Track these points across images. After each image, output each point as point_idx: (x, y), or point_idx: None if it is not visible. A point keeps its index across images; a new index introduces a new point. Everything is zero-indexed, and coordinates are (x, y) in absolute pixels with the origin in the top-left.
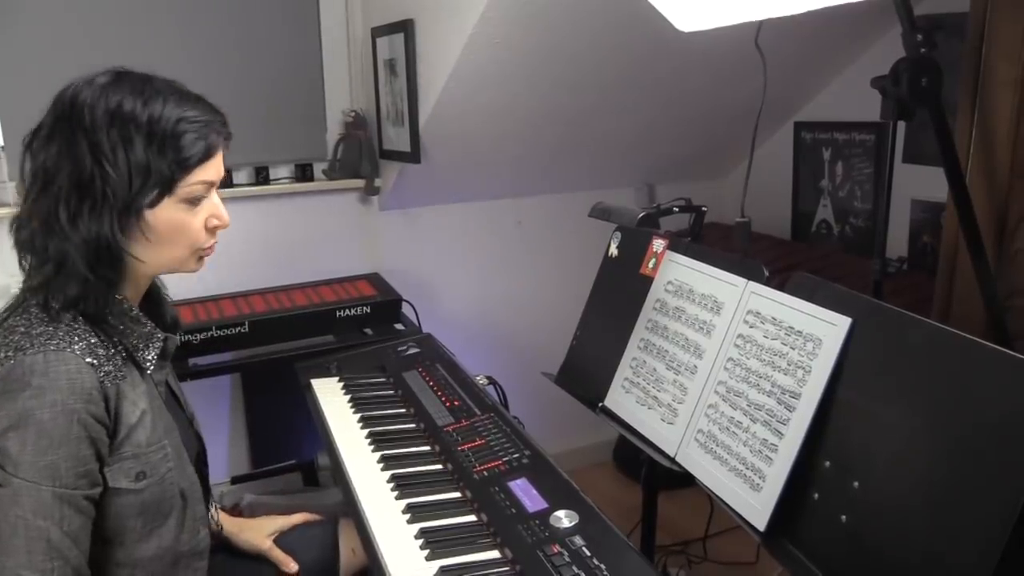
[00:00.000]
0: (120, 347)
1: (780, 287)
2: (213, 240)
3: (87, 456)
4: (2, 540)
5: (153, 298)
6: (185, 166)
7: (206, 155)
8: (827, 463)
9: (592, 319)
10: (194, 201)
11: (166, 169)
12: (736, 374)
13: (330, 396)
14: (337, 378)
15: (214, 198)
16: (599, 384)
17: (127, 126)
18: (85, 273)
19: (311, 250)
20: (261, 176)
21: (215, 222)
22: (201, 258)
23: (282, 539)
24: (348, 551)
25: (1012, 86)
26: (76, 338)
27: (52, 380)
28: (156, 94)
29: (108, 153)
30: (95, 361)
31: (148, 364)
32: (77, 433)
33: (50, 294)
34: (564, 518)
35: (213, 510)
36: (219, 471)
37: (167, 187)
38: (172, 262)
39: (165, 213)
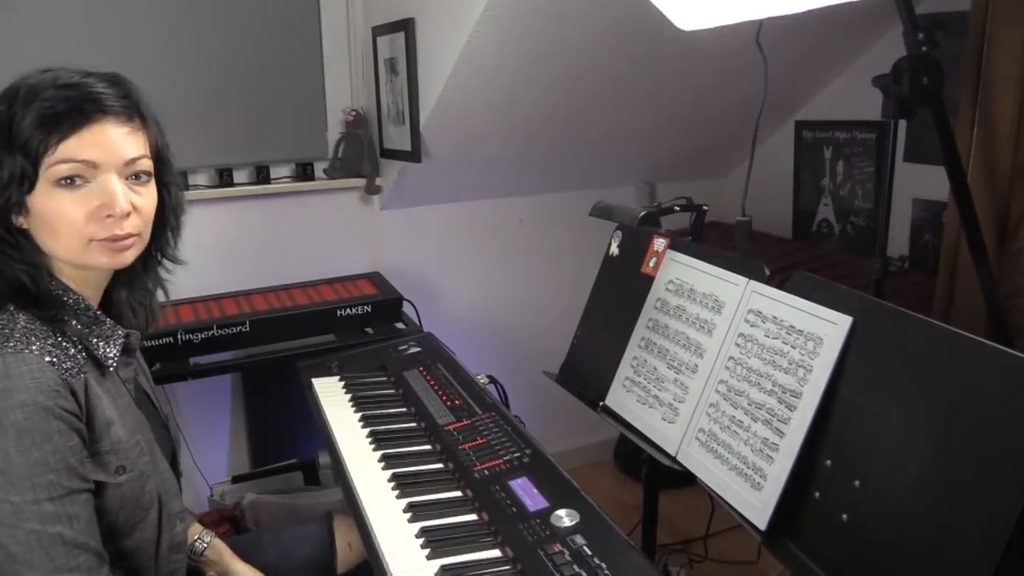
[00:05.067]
0: (80, 347)
1: (781, 286)
2: (111, 231)
3: (75, 446)
4: (21, 557)
5: (120, 297)
6: (42, 147)
7: (70, 128)
8: (828, 462)
9: (593, 318)
10: (67, 183)
11: (18, 143)
12: (737, 373)
13: (331, 395)
14: (338, 377)
15: (111, 182)
16: (600, 383)
17: None
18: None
19: (312, 249)
20: (262, 175)
21: (105, 211)
22: (110, 251)
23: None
24: (344, 546)
25: (1013, 85)
26: (33, 338)
27: (16, 381)
28: (18, 88)
29: None
30: (54, 360)
31: (110, 362)
32: (57, 427)
33: None
34: (565, 517)
35: (204, 532)
36: (220, 470)
37: (29, 168)
38: (67, 252)
39: (40, 198)
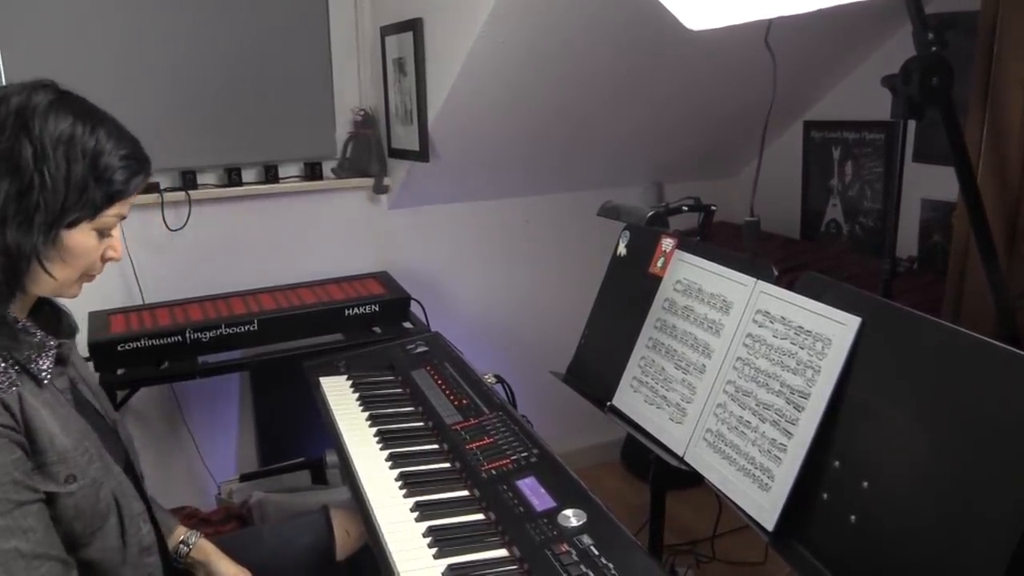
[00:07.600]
0: (11, 360)
1: (789, 286)
2: (99, 271)
3: (18, 459)
4: None
5: (46, 307)
6: (112, 198)
7: (131, 191)
8: (836, 463)
9: (600, 318)
10: (104, 231)
11: (98, 195)
12: (745, 373)
13: (339, 394)
14: (346, 376)
15: (118, 235)
16: (607, 383)
17: (74, 147)
18: None
19: (320, 248)
20: (270, 174)
21: (111, 254)
22: (82, 285)
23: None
24: (343, 533)
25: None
26: None
27: None
28: (101, 123)
29: (51, 165)
30: None
31: (44, 374)
32: None
33: None
34: (572, 517)
35: (189, 534)
36: (228, 468)
37: (92, 212)
38: (63, 284)
39: (79, 236)
